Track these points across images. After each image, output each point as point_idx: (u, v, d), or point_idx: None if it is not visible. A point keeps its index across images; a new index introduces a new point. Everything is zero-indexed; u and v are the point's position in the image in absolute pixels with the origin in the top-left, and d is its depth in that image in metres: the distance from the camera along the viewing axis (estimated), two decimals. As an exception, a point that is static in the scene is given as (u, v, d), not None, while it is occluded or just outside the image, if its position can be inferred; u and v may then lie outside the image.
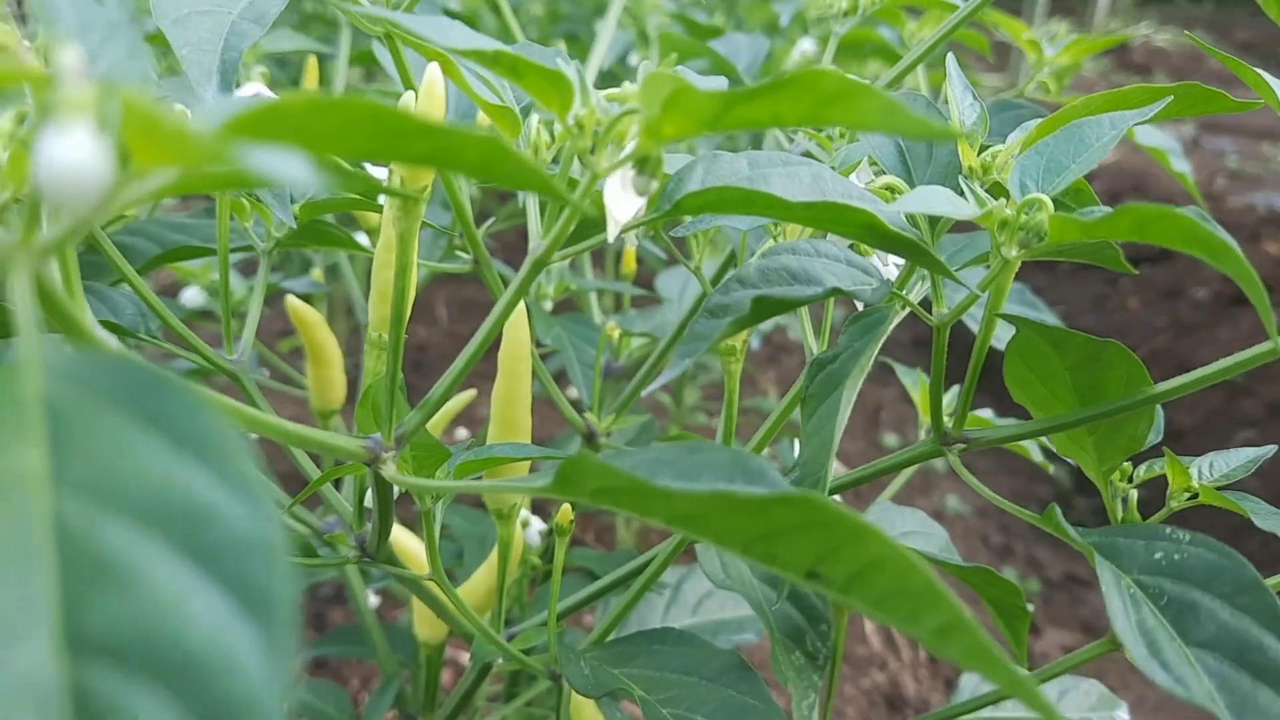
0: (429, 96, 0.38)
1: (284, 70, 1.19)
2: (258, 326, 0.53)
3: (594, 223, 0.49)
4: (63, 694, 0.16)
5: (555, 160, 0.41)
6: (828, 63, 0.73)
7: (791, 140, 0.74)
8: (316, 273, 0.86)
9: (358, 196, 0.51)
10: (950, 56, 0.49)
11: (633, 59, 1.22)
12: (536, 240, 0.38)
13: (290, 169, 0.19)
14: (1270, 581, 0.49)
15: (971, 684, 0.72)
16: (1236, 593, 0.34)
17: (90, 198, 0.20)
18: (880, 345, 0.41)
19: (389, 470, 0.39)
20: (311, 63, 0.86)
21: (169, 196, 0.42)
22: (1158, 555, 0.37)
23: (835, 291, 0.37)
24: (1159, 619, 0.34)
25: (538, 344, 0.73)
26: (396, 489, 0.48)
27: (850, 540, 0.27)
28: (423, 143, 0.24)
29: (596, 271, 1.16)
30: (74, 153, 0.20)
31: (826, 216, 0.35)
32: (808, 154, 0.58)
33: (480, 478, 0.45)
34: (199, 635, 0.17)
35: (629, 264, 0.90)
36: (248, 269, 1.16)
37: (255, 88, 0.49)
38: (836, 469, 0.59)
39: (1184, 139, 4.02)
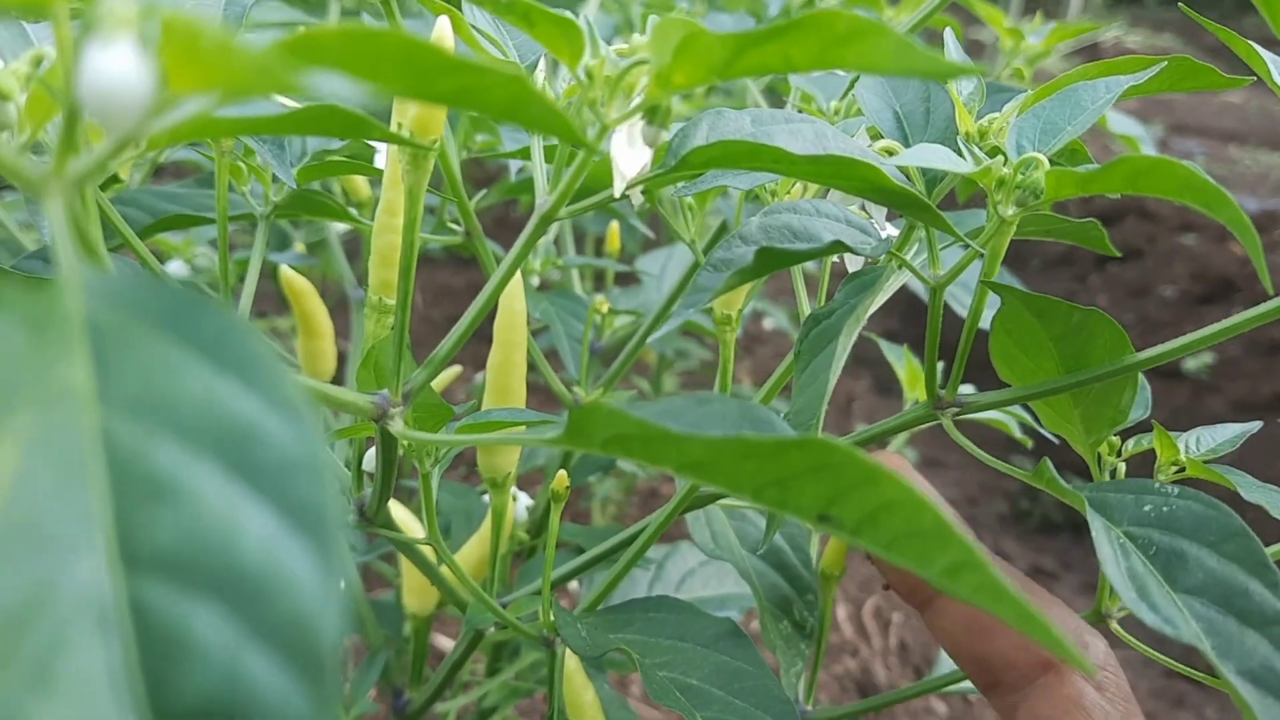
0: (439, 44, 0.39)
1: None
2: (255, 289, 0.53)
3: (587, 191, 0.49)
4: (121, 607, 0.16)
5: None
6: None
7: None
8: (300, 245, 0.85)
9: (349, 160, 0.51)
10: (949, 30, 0.49)
11: (618, 44, 1.23)
12: (543, 196, 0.39)
13: (341, 90, 0.19)
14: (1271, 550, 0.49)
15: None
16: (1223, 540, 0.35)
17: (133, 113, 0.20)
18: (875, 305, 0.42)
19: (397, 426, 0.39)
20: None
21: (204, 137, 0.42)
22: (1147, 508, 0.38)
23: (837, 246, 0.38)
24: (1148, 567, 0.35)
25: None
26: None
27: (862, 483, 0.27)
28: (452, 79, 0.24)
29: (578, 255, 1.16)
30: (118, 66, 0.20)
31: (830, 171, 0.36)
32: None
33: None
34: (253, 551, 0.17)
35: (613, 243, 0.90)
36: (230, 247, 1.15)
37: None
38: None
39: (1154, 140, 4.07)
